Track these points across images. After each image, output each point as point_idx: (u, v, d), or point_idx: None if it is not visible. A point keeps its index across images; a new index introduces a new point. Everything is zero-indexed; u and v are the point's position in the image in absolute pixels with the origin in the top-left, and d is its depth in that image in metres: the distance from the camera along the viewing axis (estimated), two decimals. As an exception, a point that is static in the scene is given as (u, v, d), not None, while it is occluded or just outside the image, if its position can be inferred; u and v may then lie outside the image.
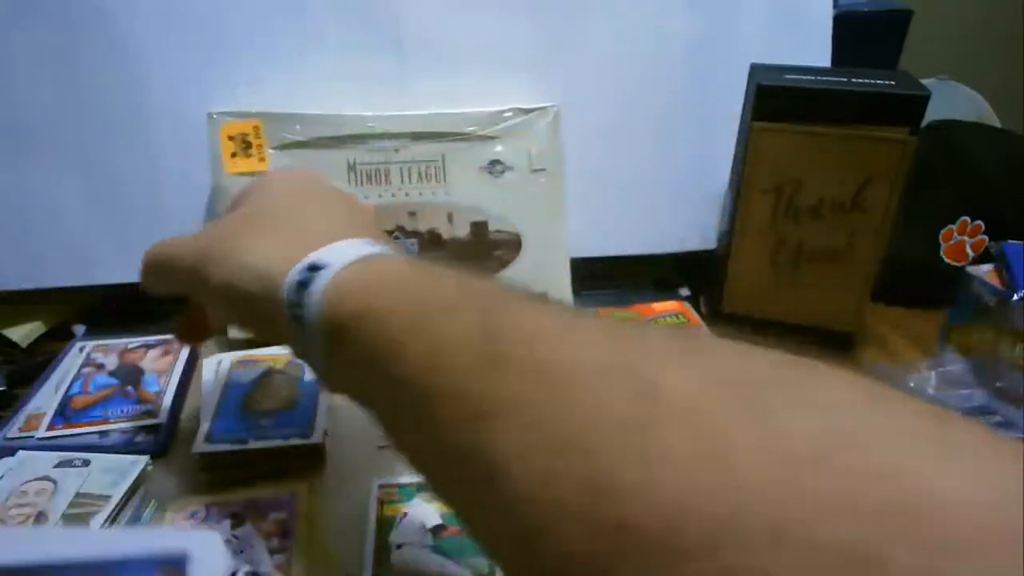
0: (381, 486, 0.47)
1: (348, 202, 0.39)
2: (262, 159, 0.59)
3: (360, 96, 0.60)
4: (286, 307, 0.29)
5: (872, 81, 0.53)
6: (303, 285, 0.29)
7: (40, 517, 0.41)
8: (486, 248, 0.62)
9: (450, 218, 0.61)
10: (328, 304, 0.28)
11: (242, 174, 0.59)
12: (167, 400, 0.52)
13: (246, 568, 0.41)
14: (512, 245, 0.62)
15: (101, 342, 0.58)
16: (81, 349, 0.57)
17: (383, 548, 0.42)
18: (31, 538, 0.28)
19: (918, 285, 0.66)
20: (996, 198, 0.65)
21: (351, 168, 0.60)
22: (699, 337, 0.25)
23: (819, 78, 0.54)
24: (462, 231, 0.62)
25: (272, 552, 0.42)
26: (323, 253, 0.30)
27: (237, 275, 0.32)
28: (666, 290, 0.69)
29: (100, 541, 0.27)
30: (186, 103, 0.59)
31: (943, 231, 0.66)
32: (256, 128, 0.59)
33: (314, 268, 0.29)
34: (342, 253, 0.30)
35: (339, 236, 0.31)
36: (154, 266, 0.38)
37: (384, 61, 0.61)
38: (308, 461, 0.49)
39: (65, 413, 0.50)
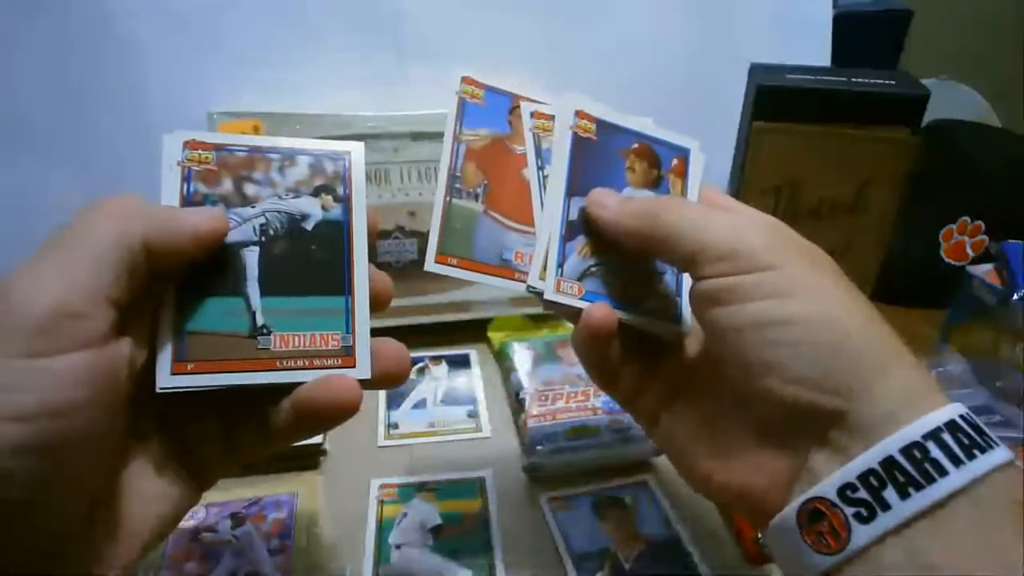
0: (381, 486, 0.47)
1: None
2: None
3: (360, 96, 0.60)
4: None
5: (872, 81, 0.53)
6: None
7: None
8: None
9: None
10: None
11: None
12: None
13: (246, 568, 0.41)
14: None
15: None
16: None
17: (383, 548, 0.42)
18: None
19: (918, 285, 0.66)
20: (996, 198, 0.64)
21: (351, 168, 0.60)
22: None
23: (819, 78, 0.54)
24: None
25: (272, 552, 0.42)
26: None
27: None
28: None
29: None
30: (186, 103, 0.59)
31: (943, 231, 0.66)
32: (256, 128, 0.59)
33: None
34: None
35: None
36: None
37: (384, 61, 0.61)
38: (308, 461, 0.49)
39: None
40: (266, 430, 0.29)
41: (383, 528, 0.44)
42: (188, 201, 0.29)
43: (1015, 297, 0.53)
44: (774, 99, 0.53)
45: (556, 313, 0.34)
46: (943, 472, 0.23)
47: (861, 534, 0.23)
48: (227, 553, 0.41)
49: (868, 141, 0.52)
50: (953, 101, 0.80)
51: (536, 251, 0.32)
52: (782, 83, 0.54)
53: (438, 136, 0.34)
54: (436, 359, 0.60)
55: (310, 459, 0.49)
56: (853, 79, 0.53)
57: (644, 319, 0.33)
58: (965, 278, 0.57)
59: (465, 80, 0.35)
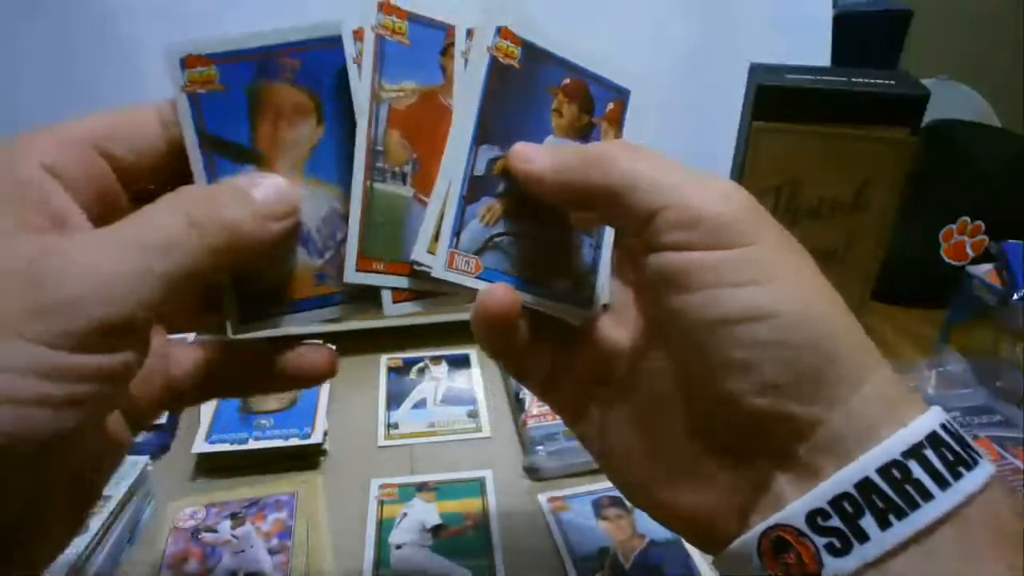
0: (381, 486, 0.47)
1: None
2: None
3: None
4: None
5: (872, 81, 0.53)
6: None
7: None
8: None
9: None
10: None
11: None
12: (167, 400, 0.52)
13: (246, 568, 0.41)
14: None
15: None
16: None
17: (383, 548, 0.42)
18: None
19: (918, 285, 0.66)
20: (996, 198, 0.65)
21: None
22: None
23: (819, 78, 0.54)
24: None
25: (272, 552, 0.42)
26: None
27: None
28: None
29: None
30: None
31: (943, 231, 0.66)
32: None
33: None
34: None
35: None
36: None
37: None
38: (308, 461, 0.49)
39: (65, 413, 0.50)
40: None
41: (383, 528, 0.44)
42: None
43: (1015, 297, 0.53)
44: (774, 99, 0.53)
45: (448, 293, 0.26)
46: (927, 496, 0.20)
47: (835, 567, 0.20)
48: (227, 553, 0.41)
49: (868, 141, 0.52)
50: (953, 101, 0.80)
51: (427, 214, 0.25)
52: (782, 83, 0.53)
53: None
54: (436, 359, 0.60)
55: (310, 459, 0.49)
56: (853, 79, 0.53)
57: (551, 303, 0.27)
58: (965, 278, 0.57)
59: (383, 7, 0.25)
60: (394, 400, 0.55)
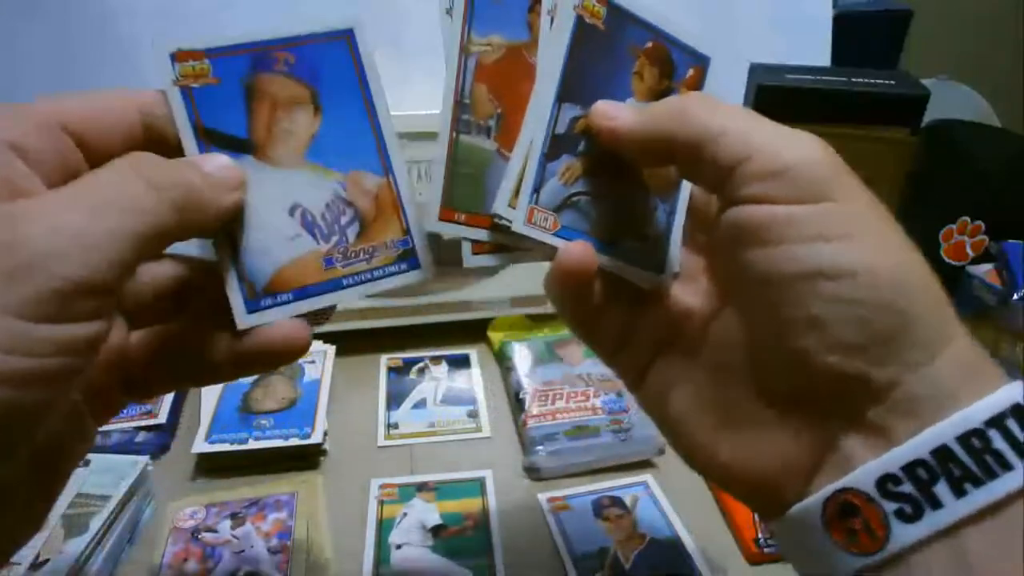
0: (381, 486, 0.47)
1: None
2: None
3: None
4: None
5: (872, 81, 0.53)
6: None
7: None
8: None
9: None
10: None
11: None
12: (167, 400, 0.52)
13: (246, 568, 0.41)
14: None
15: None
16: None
17: (383, 548, 0.42)
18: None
19: (918, 285, 0.66)
20: (996, 198, 0.64)
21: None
22: None
23: (819, 78, 0.54)
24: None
25: (272, 552, 0.42)
26: None
27: None
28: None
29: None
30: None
31: (943, 231, 0.65)
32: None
33: None
34: None
35: None
36: None
37: (384, 61, 0.61)
38: (308, 461, 0.49)
39: (65, 413, 0.50)
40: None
41: (383, 528, 0.44)
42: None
43: (1015, 297, 0.53)
44: (774, 99, 0.53)
45: (525, 248, 0.27)
46: (1007, 466, 0.19)
47: (903, 535, 0.20)
48: (227, 553, 0.41)
49: (868, 141, 0.52)
50: (953, 101, 0.80)
51: (508, 169, 0.26)
52: (782, 83, 0.54)
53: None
54: (436, 359, 0.60)
55: (310, 459, 0.49)
56: (853, 79, 0.53)
57: (624, 265, 0.27)
58: (965, 278, 0.57)
59: None
60: (394, 400, 0.55)
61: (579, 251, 0.25)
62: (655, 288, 0.28)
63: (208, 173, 0.24)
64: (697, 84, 0.29)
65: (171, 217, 0.21)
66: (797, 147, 0.22)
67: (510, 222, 0.26)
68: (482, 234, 0.26)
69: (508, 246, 0.27)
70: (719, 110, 0.24)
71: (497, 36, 0.26)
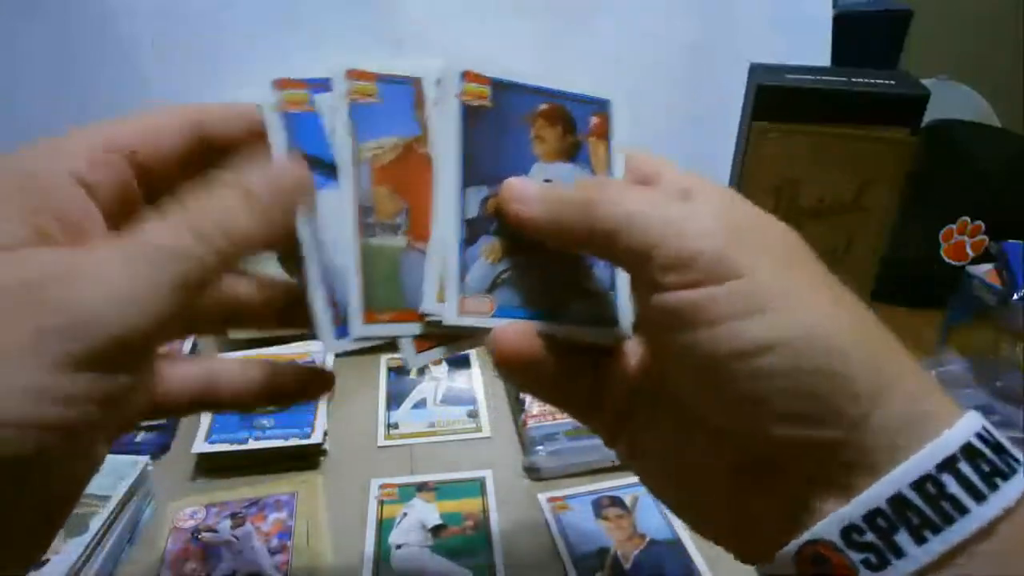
0: (381, 486, 0.47)
1: None
2: (262, 159, 0.59)
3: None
4: None
5: (872, 81, 0.53)
6: None
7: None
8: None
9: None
10: None
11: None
12: (167, 400, 0.52)
13: (246, 568, 0.41)
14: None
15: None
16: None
17: (383, 548, 0.42)
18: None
19: (918, 285, 0.66)
20: (996, 198, 0.65)
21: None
22: None
23: (819, 78, 0.54)
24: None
25: (272, 552, 0.42)
26: None
27: None
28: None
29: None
30: (186, 103, 0.59)
31: (943, 231, 0.66)
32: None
33: None
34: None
35: None
36: None
37: (383, 61, 0.61)
38: (308, 461, 0.49)
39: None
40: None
41: (383, 528, 0.44)
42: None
43: (1015, 297, 0.53)
44: (774, 99, 0.53)
45: (466, 336, 0.26)
46: (963, 510, 0.19)
47: None
48: (227, 553, 0.41)
49: (868, 141, 0.52)
50: (953, 101, 0.80)
51: (427, 264, 0.25)
52: (782, 83, 0.53)
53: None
54: (436, 359, 0.59)
55: (310, 459, 0.49)
56: (853, 79, 0.53)
57: (574, 328, 0.26)
58: (965, 278, 0.57)
59: (351, 73, 0.26)
60: (394, 400, 0.55)
61: (512, 332, 0.25)
62: (617, 342, 0.27)
63: (257, 195, 0.23)
64: (604, 130, 0.29)
65: (219, 266, 0.21)
66: (698, 227, 0.22)
67: (441, 317, 0.25)
68: (414, 328, 0.25)
69: (450, 336, 0.26)
70: (623, 200, 0.23)
71: (388, 137, 0.26)
